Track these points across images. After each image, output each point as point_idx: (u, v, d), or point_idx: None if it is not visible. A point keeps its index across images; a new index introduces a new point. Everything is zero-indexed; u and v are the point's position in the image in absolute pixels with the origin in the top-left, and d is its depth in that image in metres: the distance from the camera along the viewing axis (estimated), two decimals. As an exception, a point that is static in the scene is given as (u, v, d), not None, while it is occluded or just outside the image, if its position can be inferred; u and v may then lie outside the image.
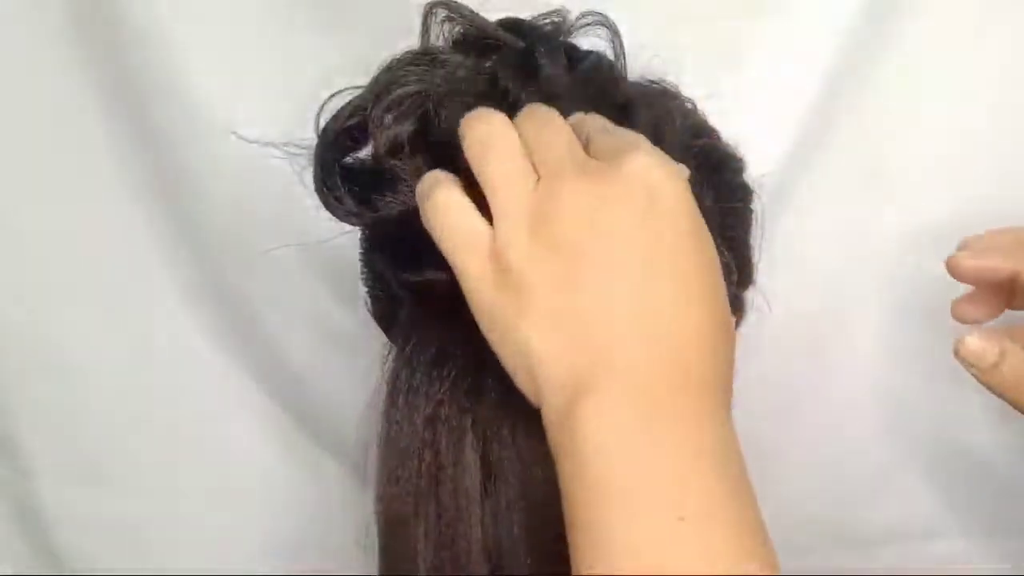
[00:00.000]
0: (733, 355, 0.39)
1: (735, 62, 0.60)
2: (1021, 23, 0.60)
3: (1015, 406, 0.48)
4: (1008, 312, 0.55)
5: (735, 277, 0.48)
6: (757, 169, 0.55)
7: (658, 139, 0.41)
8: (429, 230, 0.39)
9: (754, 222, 0.54)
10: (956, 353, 0.48)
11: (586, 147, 0.39)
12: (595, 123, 0.41)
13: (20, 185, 0.69)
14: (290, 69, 0.62)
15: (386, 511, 0.46)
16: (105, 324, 0.71)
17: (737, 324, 0.51)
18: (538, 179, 0.37)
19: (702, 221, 0.38)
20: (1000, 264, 0.53)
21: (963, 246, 0.55)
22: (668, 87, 0.50)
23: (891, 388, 0.66)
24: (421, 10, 0.45)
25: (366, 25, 0.60)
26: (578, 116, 0.41)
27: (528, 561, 0.42)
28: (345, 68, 0.45)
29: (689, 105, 0.52)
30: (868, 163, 0.62)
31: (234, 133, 0.50)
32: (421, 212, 0.39)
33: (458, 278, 0.38)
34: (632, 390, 0.35)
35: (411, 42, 0.45)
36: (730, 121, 0.54)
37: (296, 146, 0.45)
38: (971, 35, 0.60)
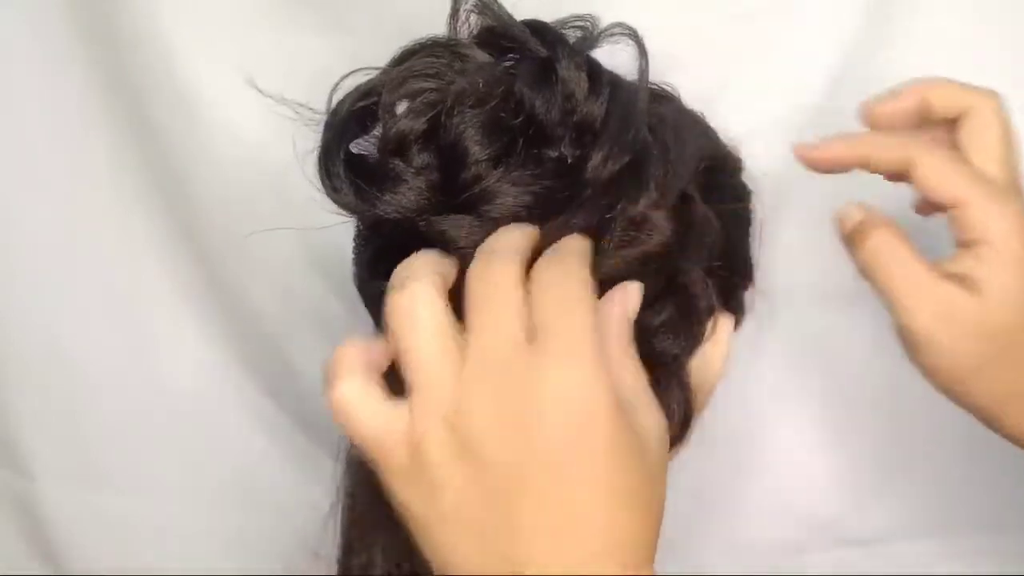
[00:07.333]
0: (659, 526, 0.38)
1: (735, 62, 0.60)
2: (1021, 22, 0.60)
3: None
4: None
5: (736, 316, 0.47)
6: (757, 169, 0.55)
7: (668, 160, 0.42)
8: (336, 423, 0.37)
9: (754, 222, 0.54)
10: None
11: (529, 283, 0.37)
12: (551, 267, 0.38)
13: (19, 184, 0.69)
14: (291, 69, 0.61)
15: (349, 516, 0.46)
16: (105, 323, 0.71)
17: (737, 324, 0.51)
18: (464, 361, 0.35)
19: (629, 437, 0.36)
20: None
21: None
22: (666, 89, 0.50)
23: (892, 387, 0.66)
24: (420, 13, 0.45)
25: (367, 27, 0.60)
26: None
27: None
28: (345, 70, 0.45)
29: (690, 111, 0.52)
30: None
31: (253, 86, 0.50)
32: (326, 402, 0.37)
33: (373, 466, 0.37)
34: None
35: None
36: (730, 121, 0.54)
37: (310, 109, 0.45)
38: (971, 35, 0.59)
